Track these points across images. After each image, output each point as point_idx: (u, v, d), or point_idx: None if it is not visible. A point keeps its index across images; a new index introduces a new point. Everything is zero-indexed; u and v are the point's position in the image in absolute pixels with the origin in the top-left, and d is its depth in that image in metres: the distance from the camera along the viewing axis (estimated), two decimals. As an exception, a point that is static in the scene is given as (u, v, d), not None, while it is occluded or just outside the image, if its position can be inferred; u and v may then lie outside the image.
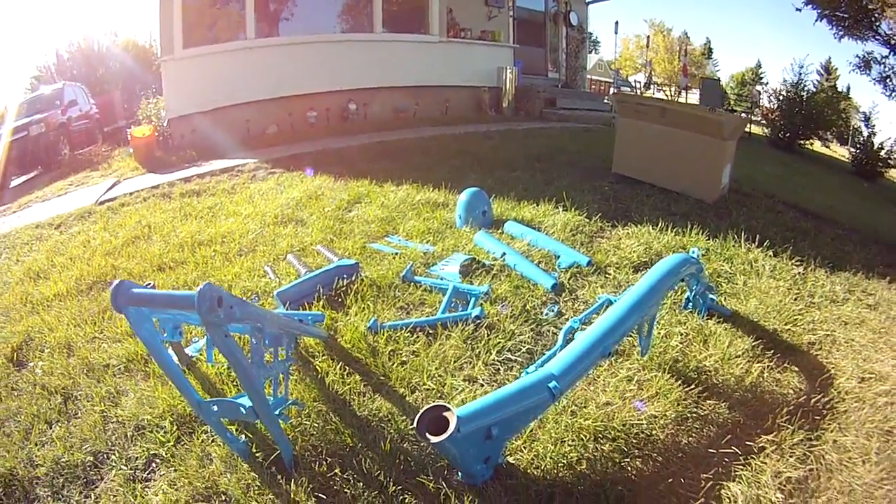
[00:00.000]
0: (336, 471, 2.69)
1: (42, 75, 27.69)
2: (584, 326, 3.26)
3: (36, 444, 3.28)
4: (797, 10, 20.01)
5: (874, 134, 19.92)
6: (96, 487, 2.94)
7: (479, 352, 3.46)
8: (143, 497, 2.79)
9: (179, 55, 12.14)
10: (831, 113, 18.76)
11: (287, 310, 3.99)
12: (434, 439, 2.17)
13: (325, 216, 6.23)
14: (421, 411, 2.30)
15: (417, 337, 3.63)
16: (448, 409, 2.27)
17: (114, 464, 3.03)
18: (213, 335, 2.29)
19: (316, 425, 3.00)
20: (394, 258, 4.87)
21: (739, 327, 3.71)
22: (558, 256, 4.71)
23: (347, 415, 3.05)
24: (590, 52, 27.25)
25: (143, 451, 3.07)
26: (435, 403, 2.34)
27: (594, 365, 2.88)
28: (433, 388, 3.19)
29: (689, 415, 2.91)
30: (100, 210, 7.97)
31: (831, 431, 2.83)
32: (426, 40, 14.79)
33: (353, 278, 4.43)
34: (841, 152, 25.50)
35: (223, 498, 2.70)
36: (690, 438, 2.78)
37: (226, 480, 2.76)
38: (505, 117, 14.85)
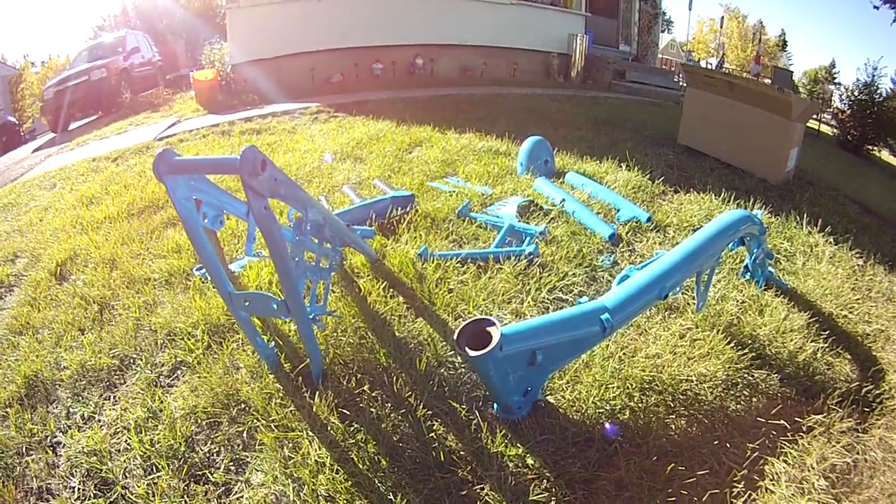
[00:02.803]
0: (365, 388, 2.59)
1: (106, 25, 28.19)
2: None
3: (65, 349, 3.23)
4: (875, 7, 19.00)
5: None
6: (117, 390, 2.87)
7: (530, 288, 3.34)
8: (162, 401, 2.69)
9: (246, 2, 12.16)
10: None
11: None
12: (473, 353, 2.03)
13: (385, 155, 6.09)
14: (463, 324, 2.16)
15: (467, 268, 3.53)
16: (493, 324, 2.11)
17: (139, 369, 2.96)
18: (253, 204, 2.10)
19: (351, 341, 2.89)
20: (450, 195, 4.74)
21: (796, 304, 3.50)
22: (618, 210, 4.58)
23: (386, 335, 2.94)
24: (662, 31, 26.42)
25: (171, 357, 2.99)
26: (479, 317, 2.19)
27: (649, 305, 2.70)
28: None
29: (738, 380, 2.73)
30: (158, 145, 7.93)
31: (878, 427, 2.61)
32: (498, 1, 14.46)
33: (408, 210, 4.29)
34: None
35: (242, 407, 2.59)
36: (739, 405, 2.62)
37: (248, 389, 2.65)
38: (573, 85, 14.49)
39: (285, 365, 2.75)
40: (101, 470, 2.39)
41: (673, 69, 26.07)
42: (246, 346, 2.91)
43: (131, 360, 3.04)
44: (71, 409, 2.80)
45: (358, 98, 9.97)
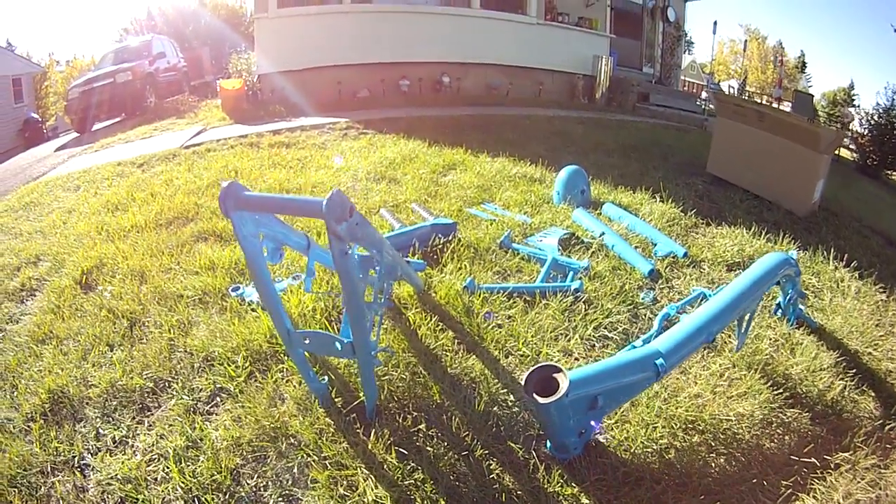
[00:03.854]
0: (421, 427, 2.54)
1: (132, 28, 28.41)
2: (679, 315, 3.31)
3: (93, 365, 3.16)
4: (895, 30, 18.86)
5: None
6: (151, 415, 2.79)
7: (576, 325, 3.33)
8: (202, 429, 2.60)
9: (274, 14, 12.12)
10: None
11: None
12: (543, 401, 2.08)
13: (420, 177, 6.00)
14: (530, 369, 2.20)
15: (514, 302, 3.48)
16: (559, 371, 2.18)
17: (174, 393, 2.87)
18: (335, 250, 2.03)
19: (403, 377, 2.82)
20: (490, 224, 4.68)
21: (824, 341, 3.55)
22: (655, 244, 4.58)
23: (437, 371, 2.89)
24: (684, 53, 26.37)
25: (209, 383, 2.90)
26: (546, 363, 2.25)
27: (696, 349, 2.80)
28: (528, 355, 3.05)
29: (773, 419, 2.80)
30: (185, 153, 7.87)
31: (901, 464, 2.68)
32: (523, 20, 14.43)
33: (450, 238, 4.21)
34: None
35: (292, 441, 2.52)
36: (773, 443, 2.69)
37: (297, 423, 2.57)
38: (597, 106, 14.40)
39: (336, 399, 2.68)
40: (138, 499, 2.31)
41: (695, 92, 26.04)
42: (292, 376, 2.82)
43: (166, 384, 2.95)
44: (100, 430, 2.71)
45: (386, 115, 9.90)
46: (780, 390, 2.93)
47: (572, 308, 3.45)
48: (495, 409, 2.67)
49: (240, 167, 6.64)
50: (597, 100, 14.91)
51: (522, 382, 2.20)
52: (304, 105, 10.77)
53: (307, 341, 2.44)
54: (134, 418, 2.76)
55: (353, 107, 11.09)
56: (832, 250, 4.81)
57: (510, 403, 2.72)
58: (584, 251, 4.30)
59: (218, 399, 2.81)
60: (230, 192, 2.16)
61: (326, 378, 2.75)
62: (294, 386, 2.77)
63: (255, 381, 2.86)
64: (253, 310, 3.40)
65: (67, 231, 5.32)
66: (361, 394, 2.63)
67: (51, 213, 6.13)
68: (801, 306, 3.72)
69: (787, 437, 2.71)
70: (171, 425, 2.66)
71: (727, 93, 30.51)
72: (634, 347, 2.74)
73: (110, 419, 2.77)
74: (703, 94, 25.30)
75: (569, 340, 3.20)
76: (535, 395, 2.12)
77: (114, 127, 12.64)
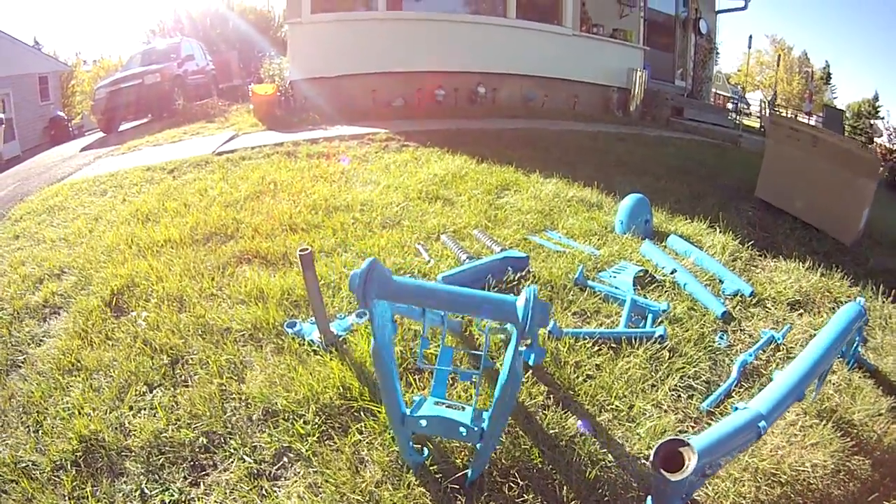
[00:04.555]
0: (528, 497, 2.33)
1: (159, 30, 28.41)
2: (755, 361, 3.38)
3: (131, 408, 2.87)
4: None
5: None
6: (207, 476, 2.47)
7: (663, 375, 3.17)
8: (272, 497, 2.31)
9: (307, 19, 11.93)
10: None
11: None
12: (674, 478, 2.01)
13: (475, 199, 5.71)
14: (658, 443, 2.10)
15: (600, 349, 3.29)
16: (685, 444, 2.08)
17: (232, 451, 2.55)
18: (515, 357, 1.87)
19: (501, 441, 2.51)
20: (559, 256, 4.41)
21: (880, 384, 3.47)
22: (722, 281, 4.45)
23: (534, 430, 2.68)
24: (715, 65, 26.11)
25: (273, 441, 2.57)
26: (672, 437, 2.16)
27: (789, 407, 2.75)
28: (622, 410, 2.89)
29: (841, 468, 2.73)
30: (217, 160, 7.59)
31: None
32: (559, 31, 14.16)
33: (524, 273, 3.96)
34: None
35: None
36: (840, 491, 2.63)
37: (388, 494, 2.29)
38: (632, 120, 14.16)
39: (430, 467, 2.41)
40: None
41: (727, 105, 25.70)
42: (374, 437, 2.52)
43: (221, 439, 2.61)
44: (145, 490, 2.40)
45: (424, 126, 9.60)
46: (847, 438, 2.88)
47: (657, 356, 3.28)
48: (596, 471, 2.49)
49: (279, 179, 6.32)
50: (631, 113, 14.65)
51: (650, 458, 2.08)
52: (338, 113, 10.56)
53: (423, 424, 2.14)
54: (186, 479, 2.44)
55: (388, 116, 10.82)
56: (881, 285, 4.68)
57: (609, 464, 2.55)
58: (657, 289, 4.10)
59: (285, 460, 2.49)
60: (374, 276, 1.87)
61: (426, 450, 2.43)
62: (378, 449, 2.47)
63: (330, 441, 2.54)
64: (315, 351, 3.08)
65: (94, 241, 5.06)
66: (457, 459, 2.39)
67: (76, 219, 5.88)
68: (859, 348, 3.65)
69: (850, 485, 2.66)
70: (232, 490, 2.36)
71: (781, 114, 30.36)
72: (736, 409, 2.58)
73: (157, 478, 2.45)
74: (729, 106, 25.05)
75: (657, 392, 3.03)
76: (662, 470, 2.02)
77: (141, 128, 12.55)
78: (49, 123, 24.46)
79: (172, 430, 2.65)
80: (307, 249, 2.92)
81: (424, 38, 12.52)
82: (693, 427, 2.82)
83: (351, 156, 7.56)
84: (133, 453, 2.57)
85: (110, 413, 2.82)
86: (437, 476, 2.34)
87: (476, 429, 2.07)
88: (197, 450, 2.57)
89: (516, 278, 3.86)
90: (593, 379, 3.05)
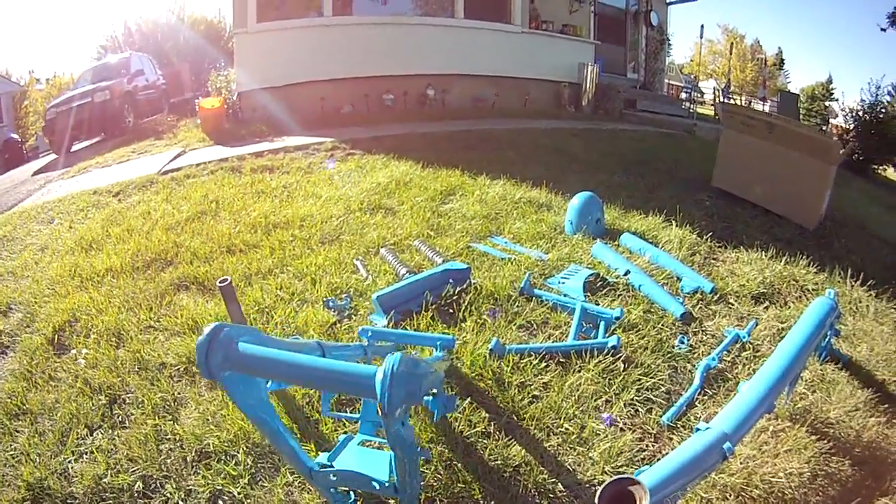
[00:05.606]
0: None
1: (109, 45, 27.86)
2: (719, 365, 3.27)
3: (73, 453, 2.82)
4: (882, 30, 19.19)
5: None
6: None
7: (618, 389, 3.01)
8: None
9: (253, 29, 11.74)
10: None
11: (388, 317, 3.42)
12: None
13: (418, 207, 5.62)
14: (603, 485, 1.89)
15: (547, 365, 3.13)
16: (635, 483, 1.88)
17: (168, 495, 2.50)
18: (390, 427, 1.62)
19: (439, 475, 2.47)
20: (504, 264, 4.30)
21: (855, 376, 3.41)
22: (680, 278, 4.32)
23: (474, 462, 2.56)
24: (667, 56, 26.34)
25: (207, 484, 2.50)
26: (619, 476, 1.96)
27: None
28: (572, 432, 2.73)
29: (819, 472, 2.64)
30: (163, 180, 7.41)
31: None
32: (508, 30, 14.18)
33: (465, 285, 3.83)
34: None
35: None
36: (818, 497, 2.55)
37: None
38: (585, 115, 14.18)
39: None
40: None
41: (681, 95, 25.94)
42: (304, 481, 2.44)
43: (157, 483, 2.56)
44: None
45: (372, 132, 9.52)
46: (823, 439, 2.78)
47: (611, 368, 3.13)
48: (544, 502, 2.40)
49: (221, 197, 6.20)
50: (583, 108, 14.72)
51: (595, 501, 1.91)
52: (287, 123, 10.44)
53: (334, 478, 2.01)
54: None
55: (337, 123, 10.72)
56: (848, 269, 4.66)
57: (560, 494, 2.43)
58: (610, 293, 3.99)
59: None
60: (219, 343, 1.65)
61: (352, 494, 2.31)
62: (310, 491, 2.40)
63: (263, 484, 2.48)
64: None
65: (40, 274, 4.92)
66: (389, 500, 2.29)
67: (24, 249, 5.72)
68: (831, 340, 3.55)
69: (831, 490, 2.58)
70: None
71: (703, 93, 30.72)
72: (699, 430, 2.38)
73: (102, 526, 2.38)
74: (683, 95, 25.31)
75: (612, 408, 2.89)
76: None
77: (92, 148, 12.32)
78: (2, 147, 23.68)
79: (111, 476, 2.60)
80: (226, 280, 2.84)
81: (372, 42, 12.40)
82: (653, 445, 2.73)
83: (295, 167, 7.46)
84: (77, 500, 2.54)
85: (54, 459, 2.77)
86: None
87: (388, 484, 1.93)
88: (136, 495, 2.52)
89: (457, 293, 3.75)
90: (540, 400, 2.92)
